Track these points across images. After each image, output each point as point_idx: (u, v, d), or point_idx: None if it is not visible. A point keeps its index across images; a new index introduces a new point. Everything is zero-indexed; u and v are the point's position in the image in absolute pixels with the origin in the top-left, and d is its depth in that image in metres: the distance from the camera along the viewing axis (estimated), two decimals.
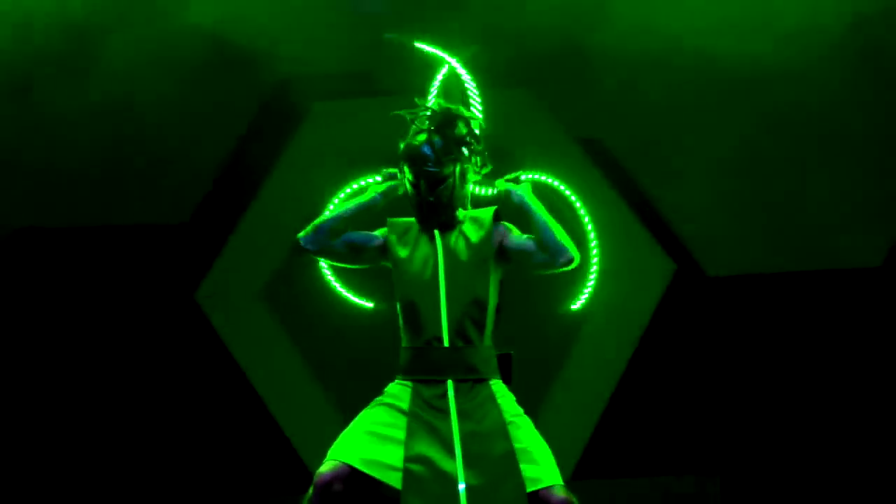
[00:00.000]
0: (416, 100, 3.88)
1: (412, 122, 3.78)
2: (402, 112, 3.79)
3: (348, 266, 3.92)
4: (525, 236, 3.76)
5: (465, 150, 3.75)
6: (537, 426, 6.48)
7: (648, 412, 6.72)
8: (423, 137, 3.72)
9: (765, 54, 6.16)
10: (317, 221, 3.75)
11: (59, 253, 6.81)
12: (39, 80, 6.04)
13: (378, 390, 3.76)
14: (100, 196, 6.79)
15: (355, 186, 4.01)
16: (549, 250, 3.67)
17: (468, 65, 4.08)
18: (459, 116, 3.78)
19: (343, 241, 3.76)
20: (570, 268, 3.77)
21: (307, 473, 6.15)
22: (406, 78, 6.60)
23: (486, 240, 3.71)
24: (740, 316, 6.81)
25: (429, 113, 3.78)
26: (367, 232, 3.81)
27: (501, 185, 3.83)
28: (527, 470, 3.49)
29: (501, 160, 6.80)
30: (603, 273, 6.63)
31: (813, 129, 6.62)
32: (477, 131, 3.82)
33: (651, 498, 6.56)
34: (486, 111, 6.69)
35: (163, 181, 6.83)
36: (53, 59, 6.01)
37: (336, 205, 3.84)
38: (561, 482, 3.51)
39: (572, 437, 6.50)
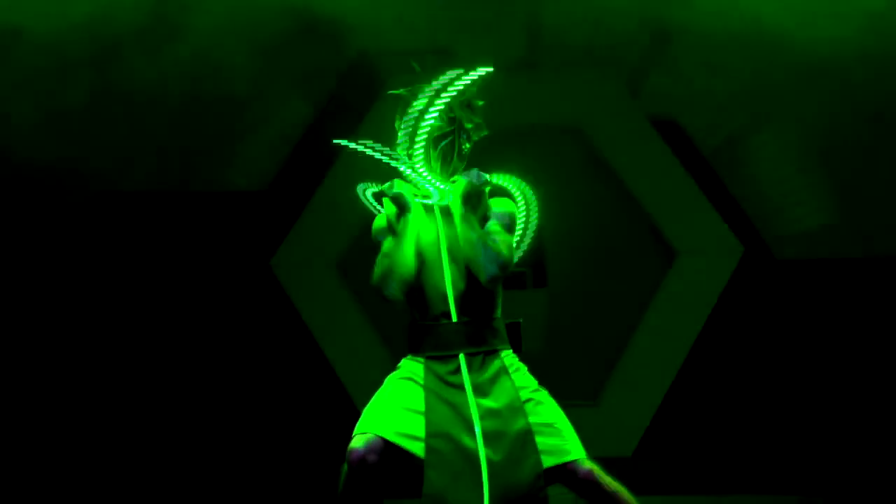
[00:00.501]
0: (413, 62, 3.80)
1: (411, 96, 3.68)
2: (400, 91, 3.70)
3: None
4: (492, 229, 3.67)
5: (465, 112, 3.70)
6: (602, 403, 6.55)
7: (709, 395, 6.72)
8: (425, 101, 3.66)
9: (843, 38, 6.01)
10: (401, 276, 3.62)
11: (139, 216, 6.95)
12: (127, 48, 6.08)
13: None
14: (181, 163, 6.89)
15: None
16: (477, 270, 3.58)
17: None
18: (459, 86, 3.68)
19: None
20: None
21: None
22: (484, 55, 6.66)
23: (483, 214, 3.66)
24: (808, 300, 6.78)
25: (429, 84, 3.68)
26: (393, 241, 3.70)
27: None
28: (550, 444, 3.50)
29: (576, 138, 6.89)
30: (672, 254, 6.70)
31: (889, 113, 6.49)
32: (472, 98, 3.73)
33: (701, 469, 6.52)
34: (562, 89, 6.72)
35: (243, 149, 6.94)
36: (140, 29, 6.04)
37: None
38: (584, 454, 3.52)
39: (634, 416, 6.53)
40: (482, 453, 3.45)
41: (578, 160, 6.93)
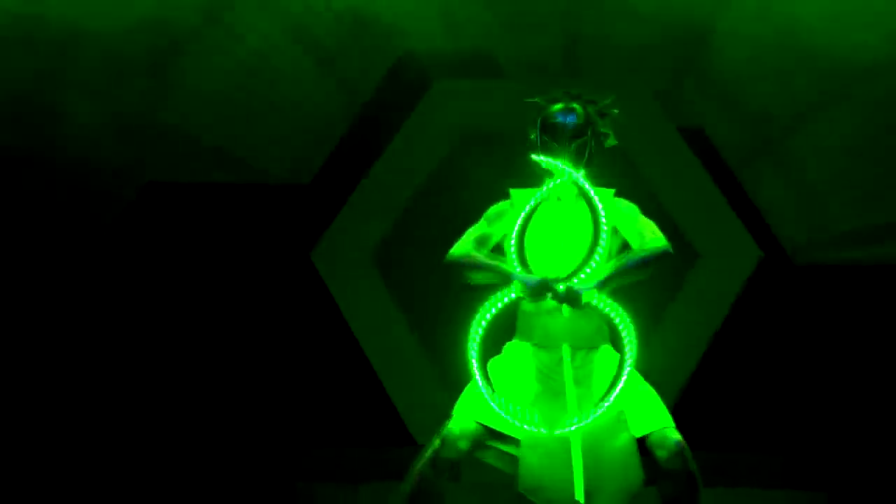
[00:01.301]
0: (554, 90, 3.91)
1: (547, 102, 3.83)
2: (536, 99, 3.85)
3: None
4: (631, 235, 3.90)
5: (599, 119, 3.83)
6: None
7: (722, 400, 6.71)
8: (560, 106, 3.80)
9: (877, 47, 6.00)
10: (465, 260, 3.75)
11: (186, 206, 7.04)
12: (182, 47, 6.18)
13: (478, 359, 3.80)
14: (229, 156, 6.97)
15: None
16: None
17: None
18: (593, 98, 3.87)
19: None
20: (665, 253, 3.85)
21: (405, 430, 6.28)
22: (524, 64, 6.69)
23: (604, 216, 3.77)
24: (827, 307, 6.80)
25: (566, 92, 3.85)
26: (491, 237, 3.84)
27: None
28: (641, 415, 3.62)
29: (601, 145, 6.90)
30: (693, 256, 6.67)
31: None
32: (608, 107, 3.88)
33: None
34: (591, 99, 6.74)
35: (288, 144, 7.01)
36: (195, 29, 6.13)
37: (488, 263, 3.75)
38: (673, 424, 3.63)
39: None
40: (576, 437, 3.56)
41: (605, 163, 6.95)
